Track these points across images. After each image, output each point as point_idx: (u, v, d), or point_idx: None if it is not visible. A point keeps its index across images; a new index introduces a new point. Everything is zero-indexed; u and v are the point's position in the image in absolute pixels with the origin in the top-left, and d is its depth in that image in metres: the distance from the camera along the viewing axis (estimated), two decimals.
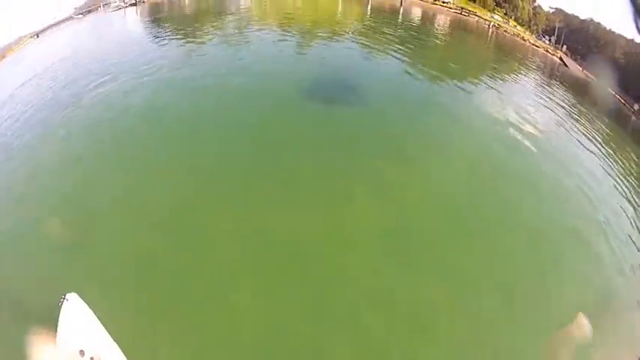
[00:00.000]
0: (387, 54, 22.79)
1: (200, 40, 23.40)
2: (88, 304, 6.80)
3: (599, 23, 31.80)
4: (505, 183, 13.11)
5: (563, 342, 8.12)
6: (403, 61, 22.22)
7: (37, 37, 25.10)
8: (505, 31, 34.76)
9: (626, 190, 15.09)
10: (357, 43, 24.85)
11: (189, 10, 32.85)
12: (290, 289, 8.55)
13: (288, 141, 13.37)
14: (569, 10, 34.87)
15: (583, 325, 8.23)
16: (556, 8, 35.63)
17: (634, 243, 11.98)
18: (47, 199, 10.76)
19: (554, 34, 33.65)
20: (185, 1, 34.35)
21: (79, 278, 8.01)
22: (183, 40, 23.06)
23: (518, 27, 35.87)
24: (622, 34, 30.87)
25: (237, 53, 20.94)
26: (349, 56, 22.24)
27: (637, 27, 2.07)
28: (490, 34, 34.61)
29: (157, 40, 23.35)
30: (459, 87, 19.96)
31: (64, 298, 6.64)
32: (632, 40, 30.52)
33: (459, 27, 35.00)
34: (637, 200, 14.53)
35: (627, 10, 2.12)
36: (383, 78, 19.59)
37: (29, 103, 15.96)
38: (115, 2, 29.88)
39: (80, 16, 28.24)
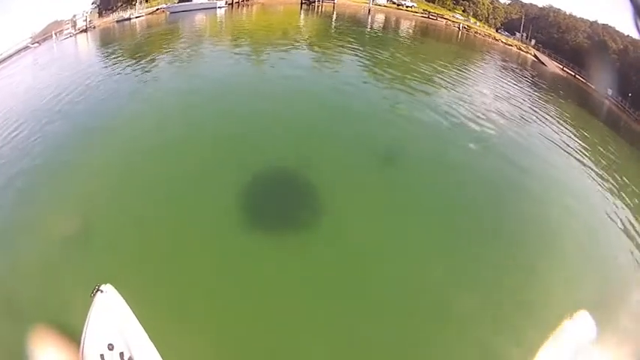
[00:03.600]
0: (358, 72, 20.97)
1: (148, 70, 21.65)
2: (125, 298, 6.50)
3: (558, 9, 31.72)
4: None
5: (566, 339, 7.72)
6: (379, 83, 20.08)
7: None
8: (476, 32, 34.40)
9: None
10: (322, 63, 22.79)
11: (140, 35, 31.64)
12: None
13: None
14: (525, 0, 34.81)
15: (586, 321, 7.82)
16: None
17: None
18: None
19: (519, 30, 33.49)
20: (136, 25, 33.15)
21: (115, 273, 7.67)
22: (128, 73, 21.37)
23: (478, 23, 35.73)
24: (583, 17, 30.65)
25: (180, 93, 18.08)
26: (315, 85, 18.85)
27: (637, 27, 2.10)
28: (460, 36, 34.18)
29: (98, 75, 21.44)
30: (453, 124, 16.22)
31: (97, 289, 6.33)
32: (595, 22, 30.04)
33: (428, 31, 34.65)
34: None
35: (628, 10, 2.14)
36: (356, 116, 15.42)
37: None
38: (68, 29, 29.16)
39: (36, 44, 27.79)
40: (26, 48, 27.22)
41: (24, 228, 9.82)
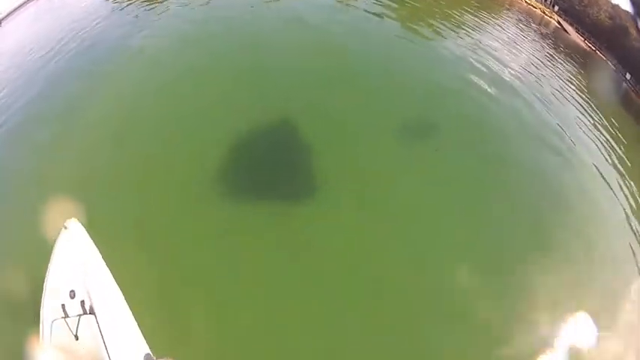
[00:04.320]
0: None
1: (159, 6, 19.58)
2: (91, 234, 5.91)
3: None
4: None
5: (565, 343, 7.54)
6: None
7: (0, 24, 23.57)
8: None
9: None
10: None
11: None
12: None
13: None
14: None
15: (586, 324, 7.73)
16: None
17: None
18: None
19: None
20: None
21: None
22: (136, 10, 19.41)
23: None
24: None
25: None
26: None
27: (637, 27, 3.49)
28: None
29: (103, 17, 19.30)
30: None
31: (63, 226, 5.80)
32: (617, 5, 29.00)
33: None
34: None
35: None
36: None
37: None
38: None
39: None
40: (28, 1, 25.61)
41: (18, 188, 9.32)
